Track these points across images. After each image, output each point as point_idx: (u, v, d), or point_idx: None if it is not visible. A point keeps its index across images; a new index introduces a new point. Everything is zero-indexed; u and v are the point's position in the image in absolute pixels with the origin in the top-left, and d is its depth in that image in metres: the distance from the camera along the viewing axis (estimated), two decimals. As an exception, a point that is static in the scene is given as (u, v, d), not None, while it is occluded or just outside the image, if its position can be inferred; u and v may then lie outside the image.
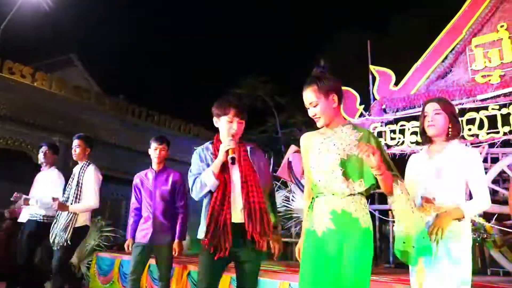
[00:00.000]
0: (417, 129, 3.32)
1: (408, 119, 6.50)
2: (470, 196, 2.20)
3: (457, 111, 2.38)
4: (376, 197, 6.75)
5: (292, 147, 7.31)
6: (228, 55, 26.93)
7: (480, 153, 5.60)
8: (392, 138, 6.59)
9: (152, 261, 3.98)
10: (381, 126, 6.79)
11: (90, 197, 3.85)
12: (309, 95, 2.05)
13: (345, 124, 2.12)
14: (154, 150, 3.61)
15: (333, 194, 2.01)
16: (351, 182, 1.98)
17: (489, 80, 5.97)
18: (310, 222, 2.06)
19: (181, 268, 4.71)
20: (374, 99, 7.14)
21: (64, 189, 4.09)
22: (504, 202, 5.34)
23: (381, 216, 6.77)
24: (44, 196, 4.22)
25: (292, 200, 7.33)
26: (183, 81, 23.92)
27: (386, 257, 7.12)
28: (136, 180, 3.69)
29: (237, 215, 2.30)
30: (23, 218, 4.53)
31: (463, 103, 6.04)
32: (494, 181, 5.59)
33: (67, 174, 4.25)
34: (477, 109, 5.90)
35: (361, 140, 2.01)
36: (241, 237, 2.29)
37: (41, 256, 5.09)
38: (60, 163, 5.72)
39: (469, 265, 2.08)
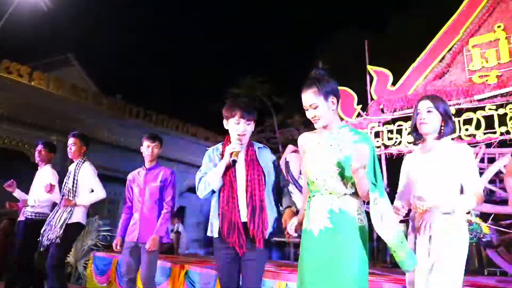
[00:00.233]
0: (414, 129, 3.31)
1: (406, 119, 6.53)
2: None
3: (450, 109, 2.38)
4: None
5: (290, 147, 7.29)
6: (226, 55, 26.97)
7: (477, 153, 5.63)
8: (389, 138, 6.62)
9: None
10: (379, 126, 6.82)
11: (97, 189, 3.94)
12: (309, 97, 2.06)
13: (342, 125, 2.15)
14: (147, 148, 3.57)
15: (330, 193, 2.03)
16: (347, 182, 2.00)
17: (486, 80, 6.00)
18: (307, 222, 2.08)
19: (178, 267, 4.71)
20: (372, 99, 7.17)
21: (60, 187, 4.08)
22: (501, 202, 5.37)
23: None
24: (40, 194, 4.20)
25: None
26: (180, 81, 23.93)
27: (383, 256, 7.13)
28: (129, 178, 3.66)
29: (243, 214, 2.36)
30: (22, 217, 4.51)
31: (460, 103, 6.08)
32: (491, 181, 5.61)
33: (65, 173, 4.24)
34: (474, 109, 5.93)
35: (357, 143, 2.00)
36: (246, 236, 2.34)
37: (39, 255, 5.07)
38: (58, 162, 5.72)
39: (464, 253, 2.08)
